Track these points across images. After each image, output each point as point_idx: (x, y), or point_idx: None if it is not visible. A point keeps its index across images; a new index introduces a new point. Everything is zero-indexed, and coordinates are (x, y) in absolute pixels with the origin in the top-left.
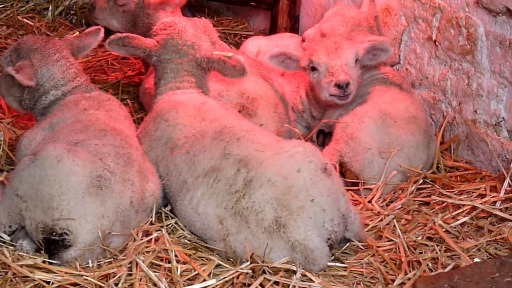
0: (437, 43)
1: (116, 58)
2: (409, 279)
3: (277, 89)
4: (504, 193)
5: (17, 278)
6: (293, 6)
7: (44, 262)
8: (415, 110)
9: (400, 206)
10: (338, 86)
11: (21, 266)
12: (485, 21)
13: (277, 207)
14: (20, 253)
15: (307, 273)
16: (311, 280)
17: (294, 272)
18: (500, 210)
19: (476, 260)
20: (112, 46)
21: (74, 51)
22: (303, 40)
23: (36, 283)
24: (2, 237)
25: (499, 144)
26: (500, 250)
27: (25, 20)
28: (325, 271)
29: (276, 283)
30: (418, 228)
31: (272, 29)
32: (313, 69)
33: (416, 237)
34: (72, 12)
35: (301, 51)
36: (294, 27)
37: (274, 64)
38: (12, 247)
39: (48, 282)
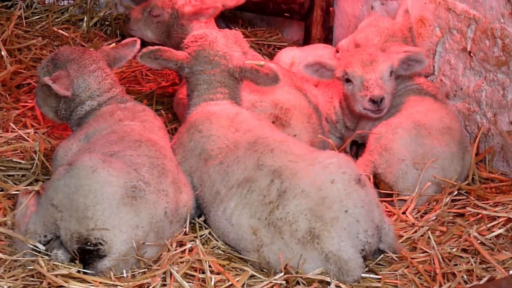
0: (471, 54)
1: (150, 69)
2: None
3: (310, 99)
4: None
5: (51, 287)
6: (327, 17)
7: (78, 272)
8: (450, 121)
9: (434, 218)
10: (372, 101)
11: (56, 275)
12: None
13: (311, 218)
14: (55, 262)
15: (341, 285)
16: None
17: (328, 283)
18: None
19: None
20: (144, 60)
21: (110, 62)
22: (337, 51)
23: None
24: (37, 247)
25: None
26: None
27: (60, 31)
28: (359, 282)
29: None
30: (452, 240)
31: (306, 40)
32: (348, 80)
33: (451, 248)
34: (106, 23)
35: (335, 61)
36: (328, 38)
37: (309, 73)
38: (47, 257)
39: None
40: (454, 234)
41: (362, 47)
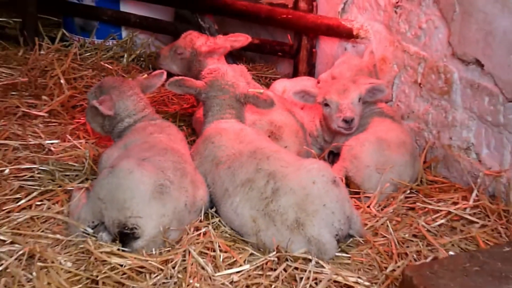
0: (421, 85)
1: (174, 94)
2: (398, 267)
3: (298, 119)
4: (473, 202)
5: (97, 262)
6: (310, 56)
7: (118, 249)
8: (404, 137)
9: (392, 211)
10: (345, 121)
11: (101, 252)
12: (459, 69)
13: (297, 210)
14: (100, 242)
15: (320, 261)
16: (323, 267)
17: (310, 260)
18: (469, 214)
19: (451, 253)
20: (171, 87)
21: (143, 89)
22: (318, 82)
23: (112, 265)
24: (87, 230)
25: (469, 163)
26: (469, 246)
27: (106, 64)
28: (333, 260)
29: (296, 268)
30: (405, 228)
31: (294, 74)
32: (326, 105)
33: (404, 234)
34: (141, 59)
35: (317, 90)
36: (311, 72)
37: (296, 98)
38: (94, 238)
39: (121, 265)
40: (406, 223)
41: (337, 79)
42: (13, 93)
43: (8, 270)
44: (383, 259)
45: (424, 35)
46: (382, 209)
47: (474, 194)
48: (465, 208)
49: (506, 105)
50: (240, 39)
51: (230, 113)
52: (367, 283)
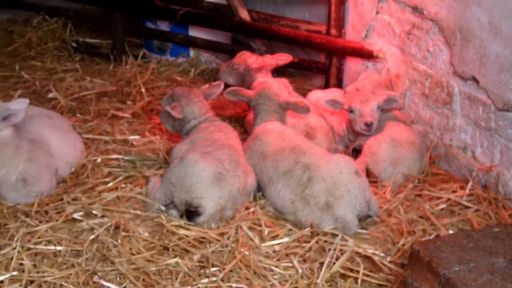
0: (428, 97)
1: (230, 101)
2: (408, 242)
3: (328, 122)
4: (468, 191)
5: (168, 233)
6: (339, 72)
7: (185, 223)
8: (414, 137)
9: (403, 197)
10: (366, 124)
11: (171, 225)
12: (459, 84)
13: (327, 194)
14: (170, 217)
15: (344, 236)
16: (347, 240)
17: (337, 235)
18: (466, 201)
19: (450, 231)
20: (228, 95)
21: (205, 96)
22: (345, 93)
23: (179, 236)
24: (160, 208)
25: (466, 160)
26: (465, 226)
27: (177, 77)
28: (355, 235)
29: (325, 241)
30: (414, 210)
31: (326, 86)
32: (351, 111)
33: (413, 216)
34: (205, 73)
35: (344, 99)
36: (339, 85)
37: (327, 106)
38: (166, 214)
39: (187, 236)
40: (414, 207)
41: (360, 91)
42: (104, 98)
43: (99, 238)
44: (395, 235)
45: (430, 57)
46: (395, 195)
47: (469, 185)
48: (462, 196)
49: (497, 113)
50: (283, 58)
51: (274, 117)
52: (382, 254)
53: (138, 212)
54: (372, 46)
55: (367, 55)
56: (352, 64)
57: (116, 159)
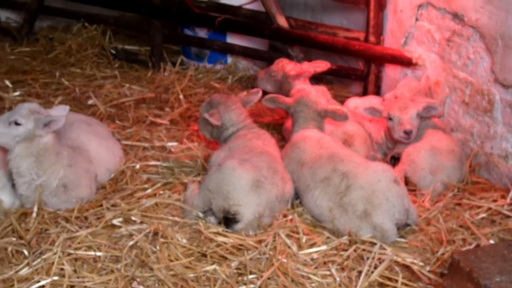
0: (468, 105)
1: (269, 108)
2: (447, 251)
3: (366, 129)
4: (510, 199)
5: (206, 239)
6: (377, 80)
7: (223, 230)
8: (453, 146)
9: (442, 205)
10: (405, 132)
11: (209, 232)
12: (500, 92)
13: (365, 202)
14: (208, 224)
15: (382, 245)
16: (385, 249)
17: (375, 243)
18: (507, 210)
19: (491, 241)
20: (267, 102)
21: (244, 104)
22: (383, 100)
23: (217, 243)
24: (198, 214)
25: (507, 168)
26: (506, 236)
27: (215, 84)
28: (393, 244)
29: (363, 250)
30: (453, 219)
31: (364, 93)
32: (390, 119)
33: (452, 225)
34: (243, 80)
35: (382, 107)
36: (377, 92)
37: (366, 113)
38: (204, 221)
39: (225, 243)
40: (454, 216)
41: (399, 98)
42: (143, 105)
43: (138, 244)
44: (434, 245)
45: (471, 64)
46: (434, 204)
47: (511, 194)
48: (503, 205)
49: None
50: (321, 65)
51: (312, 124)
52: (421, 264)
53: (176, 218)
54: (411, 53)
55: (406, 62)
56: (390, 71)
57: (155, 165)
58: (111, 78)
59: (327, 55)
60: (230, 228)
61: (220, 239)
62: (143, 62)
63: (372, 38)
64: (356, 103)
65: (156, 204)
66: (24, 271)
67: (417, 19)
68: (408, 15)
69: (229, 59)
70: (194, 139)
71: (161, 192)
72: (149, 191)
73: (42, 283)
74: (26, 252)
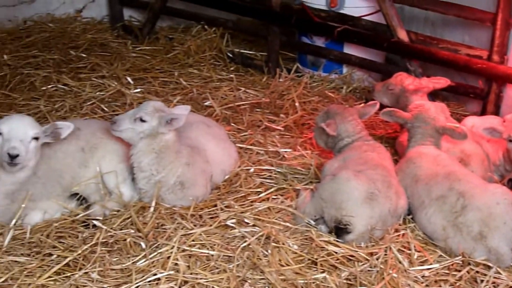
0: None
1: (382, 121)
2: None
3: (484, 150)
4: None
5: (317, 247)
6: (497, 99)
7: (334, 240)
8: None
9: None
10: None
11: (320, 240)
12: None
13: (481, 224)
14: (320, 232)
15: (498, 269)
16: (500, 273)
17: (490, 267)
18: None
19: None
20: (384, 116)
21: (360, 115)
22: (504, 121)
23: (328, 251)
24: (310, 222)
25: None
26: None
27: (329, 93)
28: (509, 268)
29: (477, 272)
30: None
31: (482, 112)
32: (510, 140)
33: None
34: (357, 91)
35: (503, 128)
36: (497, 112)
37: (485, 133)
38: (315, 229)
39: (336, 252)
40: None
41: None
42: (257, 110)
43: (250, 246)
44: None
45: None
46: None
47: None
48: None
49: None
50: (441, 82)
51: (430, 140)
52: None
53: (288, 224)
54: None
55: None
56: None
57: (268, 170)
58: (227, 80)
59: (444, 70)
60: (341, 238)
61: (331, 248)
62: (259, 66)
63: (495, 57)
64: (474, 122)
65: (268, 208)
66: (141, 263)
67: None
68: None
69: (345, 69)
70: (307, 146)
71: (274, 197)
72: (262, 195)
73: (158, 276)
74: (143, 245)
